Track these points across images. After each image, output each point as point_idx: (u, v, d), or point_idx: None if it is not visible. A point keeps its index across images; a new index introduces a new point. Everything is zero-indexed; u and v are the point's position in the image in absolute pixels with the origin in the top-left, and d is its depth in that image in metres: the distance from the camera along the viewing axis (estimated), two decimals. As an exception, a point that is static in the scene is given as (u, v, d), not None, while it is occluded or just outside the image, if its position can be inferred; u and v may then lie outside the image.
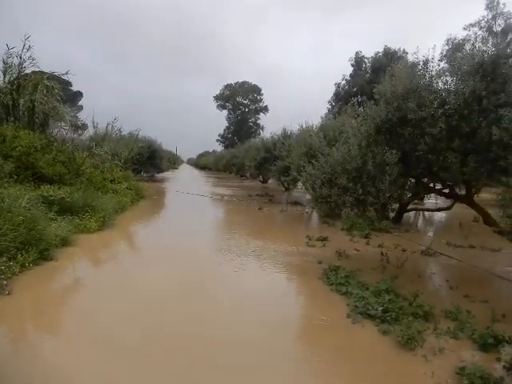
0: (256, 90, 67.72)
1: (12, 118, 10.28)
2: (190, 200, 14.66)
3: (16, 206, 5.28)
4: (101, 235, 6.95)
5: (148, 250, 6.49)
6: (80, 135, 15.21)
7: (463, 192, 5.70)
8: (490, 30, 23.33)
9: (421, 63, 5.05)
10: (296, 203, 13.57)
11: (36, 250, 4.79)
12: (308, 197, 9.34)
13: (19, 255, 4.51)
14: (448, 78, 4.88)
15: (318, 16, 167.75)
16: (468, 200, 5.53)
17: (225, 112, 68.54)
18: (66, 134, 12.21)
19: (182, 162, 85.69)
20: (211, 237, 8.04)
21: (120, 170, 13.32)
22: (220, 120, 69.64)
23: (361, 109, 7.94)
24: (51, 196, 7.09)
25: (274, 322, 3.60)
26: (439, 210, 10.64)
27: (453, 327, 3.40)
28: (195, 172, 51.18)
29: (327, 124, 12.11)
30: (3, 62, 10.66)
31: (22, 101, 10.46)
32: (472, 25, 24.39)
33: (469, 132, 4.55)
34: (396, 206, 8.00)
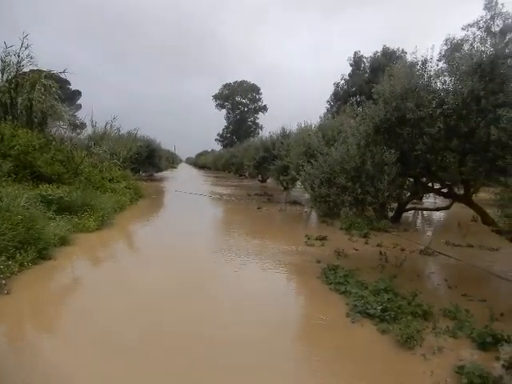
0: (255, 89, 67.68)
1: (10, 117, 10.26)
2: (189, 199, 14.65)
3: (14, 205, 5.27)
4: (99, 234, 6.94)
5: (147, 249, 6.48)
6: (78, 134, 15.17)
7: (462, 191, 5.71)
8: (488, 30, 23.35)
9: (419, 63, 5.06)
10: (295, 202, 13.59)
11: (35, 249, 4.79)
12: (307, 196, 9.33)
13: (18, 254, 4.51)
14: (446, 78, 4.89)
15: (317, 16, 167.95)
16: (466, 199, 5.54)
17: (224, 111, 68.56)
18: (65, 132, 12.19)
19: (181, 161, 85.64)
20: (210, 236, 8.05)
21: (119, 170, 13.30)
22: (219, 119, 69.68)
23: (359, 108, 7.95)
24: (50, 195, 7.09)
25: (273, 321, 3.60)
26: (438, 209, 10.66)
27: (452, 326, 3.41)
28: (194, 171, 51.13)
29: (326, 124, 12.10)
30: (1, 60, 10.62)
31: (19, 99, 10.43)
32: (470, 25, 24.42)
33: (467, 132, 4.56)
34: (395, 205, 8.02)
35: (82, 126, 16.84)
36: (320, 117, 13.85)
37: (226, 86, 68.06)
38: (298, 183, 12.08)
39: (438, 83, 4.96)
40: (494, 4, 23.77)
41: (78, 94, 41.04)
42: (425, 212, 12.16)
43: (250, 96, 67.51)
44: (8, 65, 10.69)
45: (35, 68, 11.23)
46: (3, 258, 4.28)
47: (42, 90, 10.69)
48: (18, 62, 10.75)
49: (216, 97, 68.18)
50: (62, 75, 12.23)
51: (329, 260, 5.58)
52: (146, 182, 17.85)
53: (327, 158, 5.77)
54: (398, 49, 35.86)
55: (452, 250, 6.78)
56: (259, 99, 67.83)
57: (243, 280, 4.91)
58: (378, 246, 6.70)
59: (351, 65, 39.31)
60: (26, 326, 3.45)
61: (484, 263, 5.92)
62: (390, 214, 8.73)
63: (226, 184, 24.13)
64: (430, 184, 6.90)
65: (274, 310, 3.92)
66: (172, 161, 48.63)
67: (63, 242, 5.75)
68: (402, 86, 4.86)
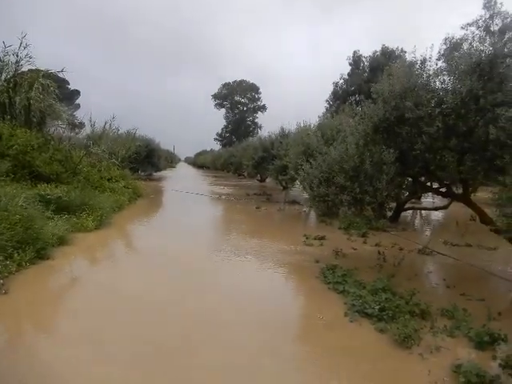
0: (254, 88, 67.65)
1: (8, 117, 10.23)
2: (188, 199, 14.63)
3: (13, 204, 5.26)
4: (98, 234, 6.93)
5: (145, 249, 6.47)
6: (77, 134, 15.14)
7: (460, 191, 5.71)
8: (487, 29, 23.35)
9: (418, 62, 5.06)
10: (294, 202, 13.59)
11: (33, 249, 4.78)
12: (306, 196, 9.35)
13: (16, 254, 4.49)
14: (445, 77, 4.89)
15: (317, 15, 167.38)
16: (465, 199, 5.54)
17: (223, 111, 68.54)
18: (63, 132, 12.17)
19: (180, 160, 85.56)
20: (209, 236, 8.04)
21: (117, 169, 13.28)
22: (218, 119, 69.66)
23: (358, 108, 7.94)
24: (48, 195, 7.07)
25: (272, 321, 3.60)
26: (436, 208, 10.69)
27: (449, 325, 3.42)
28: (193, 171, 51.10)
29: (325, 123, 12.09)
30: (0, 60, 10.60)
31: (17, 99, 10.40)
32: (470, 24, 24.40)
33: (466, 131, 4.57)
34: (393, 204, 8.01)
35: (81, 125, 16.82)
36: (319, 116, 13.86)
37: (225, 85, 68.02)
38: (297, 183, 12.09)
39: (437, 82, 4.96)
40: (493, 3, 23.79)
41: (76, 93, 40.99)
42: (423, 211, 12.18)
43: (249, 95, 67.50)
44: (6, 64, 10.67)
45: (34, 68, 11.23)
46: (1, 257, 4.26)
47: (40, 90, 10.66)
48: (17, 62, 10.74)
49: (215, 96, 68.17)
50: (61, 75, 12.24)
51: (327, 260, 5.58)
52: (144, 182, 17.84)
53: (326, 157, 5.77)
54: (397, 48, 35.93)
55: (450, 249, 6.79)
56: (258, 99, 67.88)
57: (242, 279, 4.90)
58: (376, 245, 6.71)
59: (350, 64, 39.34)
60: (23, 325, 3.44)
61: (482, 262, 5.93)
62: (389, 214, 8.72)
63: (225, 183, 24.13)
64: (428, 183, 6.91)
65: (272, 309, 3.92)
66: (171, 160, 48.56)
67: (61, 241, 5.74)
68: (401, 86, 4.85)
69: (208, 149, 70.41)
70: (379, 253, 5.87)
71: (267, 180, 23.21)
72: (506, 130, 4.02)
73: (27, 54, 10.71)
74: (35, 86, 10.52)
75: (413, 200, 10.49)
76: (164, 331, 3.30)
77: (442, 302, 3.93)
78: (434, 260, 6.19)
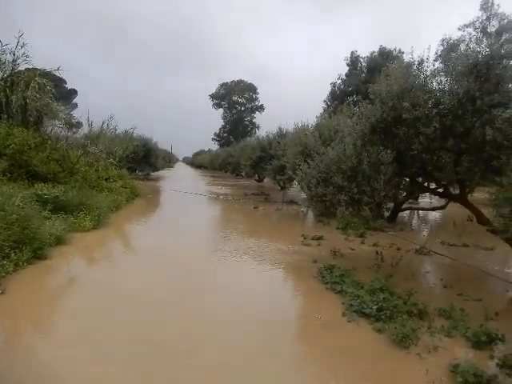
0: (252, 88, 67.60)
1: (5, 116, 10.18)
2: (185, 199, 14.61)
3: (9, 204, 5.23)
4: (95, 234, 6.91)
5: (143, 248, 6.46)
6: (74, 133, 15.07)
7: (457, 191, 5.73)
8: (484, 30, 23.44)
9: (416, 63, 5.08)
10: (291, 202, 13.60)
11: (30, 248, 4.76)
12: (303, 196, 9.35)
13: (13, 254, 4.48)
14: (442, 78, 4.91)
15: (317, 15, 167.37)
16: (462, 199, 5.56)
17: (220, 111, 68.47)
18: (61, 131, 12.11)
19: (178, 160, 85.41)
20: (206, 236, 8.03)
21: (115, 169, 13.24)
22: (216, 119, 69.57)
23: (356, 108, 7.96)
24: (45, 194, 7.04)
25: (270, 321, 3.60)
26: (433, 209, 10.71)
27: (447, 325, 3.44)
28: (191, 171, 51.03)
29: (323, 123, 12.11)
30: (-3, 59, 10.54)
31: (14, 98, 10.35)
32: (467, 25, 24.49)
33: (463, 132, 4.59)
34: (391, 205, 8.03)
35: (78, 125, 16.74)
36: (317, 116, 13.82)
37: (223, 85, 67.96)
38: (295, 183, 12.11)
39: (434, 83, 4.98)
40: (489, 5, 23.89)
41: (74, 92, 40.88)
42: (421, 212, 12.23)
43: (246, 95, 67.45)
44: (3, 63, 10.61)
45: (31, 67, 11.17)
46: (-2, 257, 4.25)
47: (37, 89, 10.60)
48: (14, 61, 10.68)
49: (213, 96, 68.08)
50: (58, 74, 12.18)
51: (325, 260, 5.59)
52: (142, 182, 17.80)
53: (324, 157, 5.78)
54: (394, 49, 35.95)
55: (447, 249, 6.82)
56: (256, 99, 67.81)
57: (239, 280, 4.90)
58: (374, 245, 6.72)
59: (348, 65, 39.37)
60: (20, 325, 3.43)
61: (479, 263, 5.96)
62: (386, 214, 8.75)
63: (223, 183, 24.11)
64: (425, 184, 6.92)
65: (271, 309, 3.92)
66: (169, 160, 48.53)
67: (59, 241, 5.72)
68: (399, 86, 4.87)
69: (206, 149, 70.43)
70: (377, 253, 5.89)
71: (265, 180, 23.23)
72: (503, 130, 4.04)
73: (24, 53, 10.66)
74: (31, 84, 10.47)
75: (410, 200, 10.52)
76: (162, 331, 3.29)
77: (440, 302, 3.95)
78: (431, 260, 6.22)
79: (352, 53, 39.10)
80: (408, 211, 11.34)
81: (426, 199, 13.82)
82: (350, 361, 2.94)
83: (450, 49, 5.12)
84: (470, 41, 4.99)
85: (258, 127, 63.31)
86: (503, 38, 19.23)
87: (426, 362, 2.85)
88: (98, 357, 2.81)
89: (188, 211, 11.81)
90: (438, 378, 2.63)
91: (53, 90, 11.28)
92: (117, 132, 17.97)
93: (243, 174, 29.00)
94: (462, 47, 4.98)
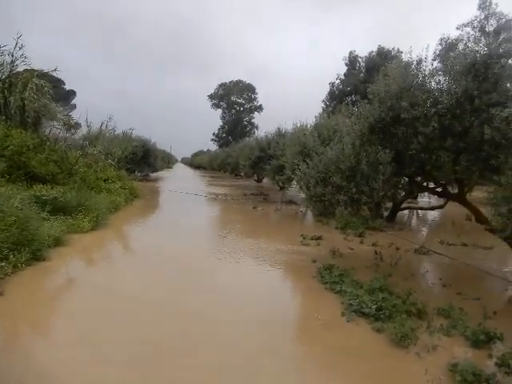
0: (250, 88, 67.62)
1: (3, 117, 10.16)
2: (184, 199, 14.61)
3: (8, 205, 5.21)
4: (94, 235, 6.89)
5: (142, 249, 6.45)
6: (73, 134, 15.04)
7: (456, 191, 5.74)
8: (482, 30, 23.52)
9: (414, 63, 5.08)
10: (290, 202, 13.61)
11: (28, 250, 4.75)
12: (302, 195, 9.36)
13: (11, 256, 4.46)
14: (441, 78, 4.91)
15: (317, 15, 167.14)
16: (460, 198, 5.57)
17: (219, 111, 68.44)
18: (59, 133, 12.08)
19: (177, 161, 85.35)
20: (205, 236, 8.03)
21: (114, 170, 13.22)
22: (214, 119, 69.48)
23: (355, 108, 7.97)
24: (44, 196, 7.02)
25: (270, 321, 3.60)
26: (432, 208, 10.74)
27: (446, 324, 3.44)
28: (190, 171, 51.02)
29: (321, 123, 12.11)
30: (-5, 60, 10.52)
31: (12, 99, 10.33)
32: (465, 25, 24.58)
33: (461, 131, 4.59)
34: (390, 204, 8.04)
35: (77, 126, 16.72)
36: (315, 116, 13.81)
37: (222, 85, 67.94)
38: (294, 183, 12.11)
39: (433, 83, 4.98)
40: (488, 4, 23.96)
41: (72, 93, 40.78)
42: (419, 211, 12.23)
43: (245, 96, 67.45)
44: (1, 64, 10.59)
45: (29, 68, 11.15)
46: (-4, 259, 4.24)
47: (35, 90, 10.58)
48: (12, 62, 10.66)
49: (211, 96, 68.06)
50: (56, 75, 12.15)
51: (324, 259, 5.59)
52: (141, 182, 17.76)
53: (322, 157, 5.78)
54: (393, 48, 36.06)
55: (446, 248, 6.82)
56: (255, 99, 67.82)
57: (239, 279, 4.90)
58: (373, 245, 6.73)
59: (346, 64, 39.45)
60: (19, 327, 3.42)
61: (478, 262, 5.97)
62: (385, 214, 8.75)
63: (222, 184, 24.11)
64: (424, 183, 6.93)
65: (270, 309, 3.92)
66: (168, 161, 48.41)
67: (57, 242, 5.70)
68: (397, 86, 4.87)
69: (205, 149, 70.41)
70: (376, 252, 5.89)
71: (264, 180, 23.21)
72: (501, 130, 4.05)
73: (22, 54, 10.64)
74: (29, 86, 10.44)
75: (409, 200, 10.51)
76: (162, 331, 3.29)
77: (439, 302, 3.95)
78: (430, 259, 6.22)
79: (350, 53, 39.21)
80: (407, 211, 11.35)
81: (424, 199, 13.82)
82: (350, 360, 2.94)
83: (448, 48, 5.14)
84: (468, 40, 5.02)
85: (257, 127, 63.36)
86: (501, 37, 19.29)
87: (425, 362, 2.86)
88: (97, 358, 2.80)
89: (187, 212, 11.81)
90: (436, 377, 2.63)
91: (51, 91, 11.25)
92: (116, 133, 17.96)
93: (242, 174, 28.99)
94: (461, 46, 4.99)
